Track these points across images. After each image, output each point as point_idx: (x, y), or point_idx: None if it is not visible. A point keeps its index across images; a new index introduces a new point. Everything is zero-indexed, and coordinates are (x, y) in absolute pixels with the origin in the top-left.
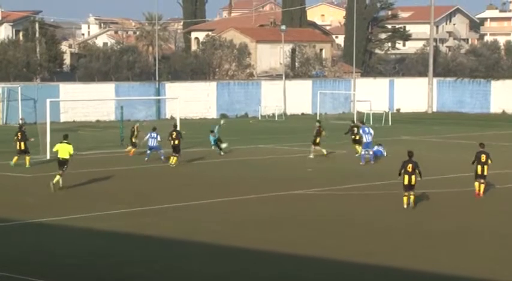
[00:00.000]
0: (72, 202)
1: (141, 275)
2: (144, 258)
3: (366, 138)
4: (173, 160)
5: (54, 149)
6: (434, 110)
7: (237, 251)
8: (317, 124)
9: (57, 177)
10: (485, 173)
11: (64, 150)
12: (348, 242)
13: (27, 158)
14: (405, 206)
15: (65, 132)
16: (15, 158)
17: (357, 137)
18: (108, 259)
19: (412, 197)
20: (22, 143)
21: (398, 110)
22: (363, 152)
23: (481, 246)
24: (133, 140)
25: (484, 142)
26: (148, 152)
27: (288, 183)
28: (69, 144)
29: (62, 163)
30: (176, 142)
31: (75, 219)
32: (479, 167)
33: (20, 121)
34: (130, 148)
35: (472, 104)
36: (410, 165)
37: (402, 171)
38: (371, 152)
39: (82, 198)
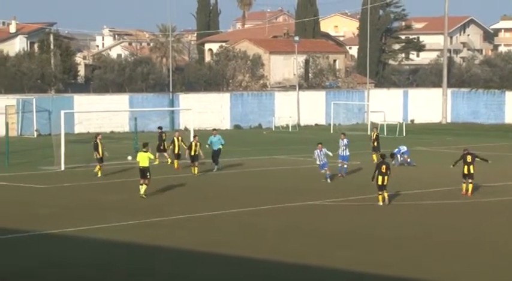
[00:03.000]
0: (85, 213)
1: None
2: (158, 269)
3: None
4: (195, 169)
5: (137, 159)
6: (449, 120)
7: (251, 262)
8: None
9: (144, 187)
10: (472, 171)
11: (143, 158)
12: (362, 253)
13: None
14: (381, 203)
15: (79, 143)
16: (98, 167)
17: (375, 144)
18: (121, 270)
19: (386, 195)
20: (98, 152)
21: (412, 121)
22: (339, 165)
23: (494, 257)
24: (177, 151)
25: (500, 153)
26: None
27: (302, 194)
28: (147, 152)
29: (143, 171)
30: (196, 152)
31: (88, 230)
32: (465, 167)
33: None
34: (172, 160)
35: (487, 115)
36: (384, 166)
37: (376, 172)
38: (345, 166)
39: (95, 209)
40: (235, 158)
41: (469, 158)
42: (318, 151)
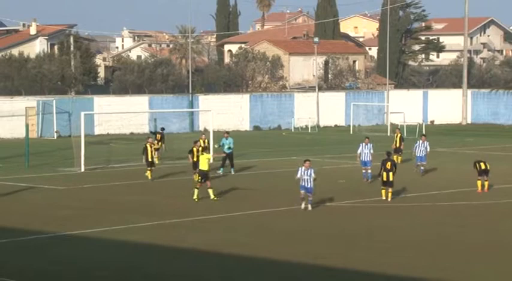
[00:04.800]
0: (105, 215)
1: None
2: (175, 271)
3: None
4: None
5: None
6: (469, 121)
7: (268, 264)
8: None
9: (209, 191)
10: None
11: (203, 161)
12: (378, 254)
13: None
14: (384, 198)
15: (99, 145)
16: (149, 171)
17: (397, 145)
18: (140, 271)
19: (390, 192)
20: (148, 156)
21: (432, 122)
22: (363, 171)
23: None
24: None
25: None
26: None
27: (320, 195)
28: (204, 154)
29: (202, 174)
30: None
31: (107, 231)
32: (482, 164)
33: (56, 133)
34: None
35: (507, 116)
36: (389, 163)
37: (382, 169)
38: (369, 171)
39: (114, 210)
40: (254, 160)
41: (482, 165)
42: (302, 169)
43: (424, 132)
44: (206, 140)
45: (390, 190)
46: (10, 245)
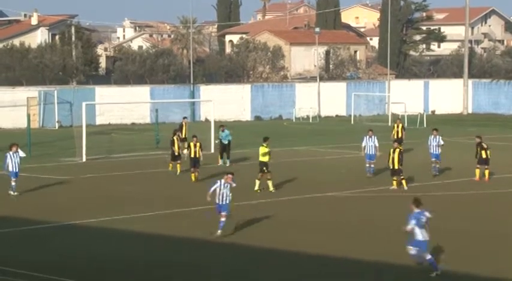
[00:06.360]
0: (106, 204)
1: (177, 276)
2: (179, 259)
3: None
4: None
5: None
6: (470, 111)
7: (271, 253)
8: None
9: (269, 182)
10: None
11: (263, 154)
12: (383, 244)
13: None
14: (394, 187)
15: (101, 135)
16: (172, 165)
17: (399, 135)
18: (140, 260)
19: (403, 181)
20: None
21: (433, 111)
22: (366, 165)
23: None
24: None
25: None
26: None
27: (322, 185)
28: (263, 146)
29: (263, 165)
30: (197, 154)
31: (110, 221)
32: (483, 152)
33: (58, 124)
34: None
35: (508, 105)
36: (397, 151)
37: (390, 159)
38: (372, 165)
39: (115, 200)
40: (255, 149)
41: (484, 146)
42: (221, 182)
43: (425, 122)
44: (198, 144)
45: (402, 177)
46: (13, 234)
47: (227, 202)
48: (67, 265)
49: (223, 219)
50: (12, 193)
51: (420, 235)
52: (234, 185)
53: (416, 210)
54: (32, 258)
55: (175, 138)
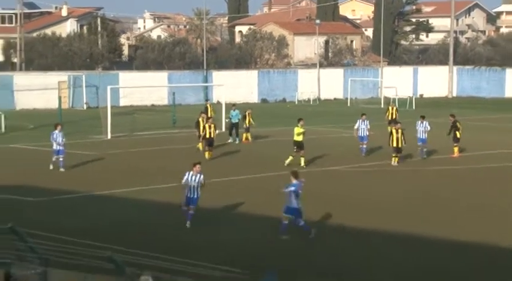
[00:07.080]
0: (128, 177)
1: (195, 242)
2: (195, 227)
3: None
4: (209, 154)
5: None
6: (454, 95)
7: (272, 220)
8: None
9: (301, 159)
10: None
11: (298, 134)
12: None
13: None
14: (394, 163)
15: (124, 115)
16: (200, 144)
17: (394, 116)
18: (165, 226)
19: (397, 156)
20: (199, 130)
21: (421, 95)
22: (359, 146)
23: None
24: (246, 124)
25: (500, 124)
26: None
27: (322, 160)
28: (297, 127)
29: (297, 144)
30: (212, 135)
31: (134, 191)
32: (457, 133)
33: (86, 105)
34: (245, 134)
35: (489, 90)
36: (399, 130)
37: (394, 138)
38: (365, 146)
39: (138, 173)
40: (265, 129)
41: (458, 124)
42: (189, 174)
43: (414, 105)
44: (213, 125)
45: (398, 155)
46: (45, 203)
47: (196, 196)
48: (98, 228)
49: (191, 212)
50: (62, 169)
51: (296, 203)
52: (202, 180)
53: (295, 181)
54: (62, 223)
55: (200, 119)
